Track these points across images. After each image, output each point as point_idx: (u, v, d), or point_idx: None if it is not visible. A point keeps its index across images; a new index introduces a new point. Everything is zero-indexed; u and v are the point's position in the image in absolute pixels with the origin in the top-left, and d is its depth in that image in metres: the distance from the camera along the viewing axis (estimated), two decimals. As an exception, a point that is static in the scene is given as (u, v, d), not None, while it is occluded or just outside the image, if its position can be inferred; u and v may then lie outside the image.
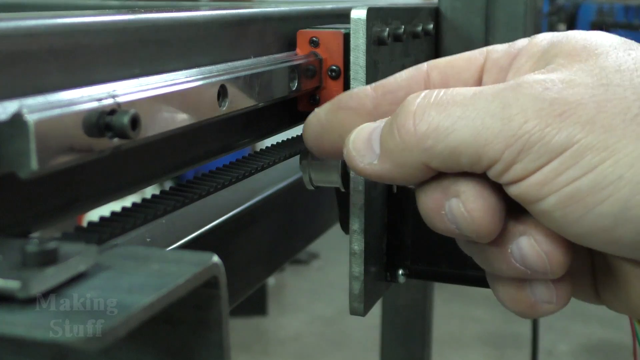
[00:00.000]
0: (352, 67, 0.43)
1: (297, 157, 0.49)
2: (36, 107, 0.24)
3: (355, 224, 0.45)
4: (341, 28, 0.45)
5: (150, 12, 0.34)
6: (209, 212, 0.50)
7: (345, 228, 0.48)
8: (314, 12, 0.50)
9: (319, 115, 0.40)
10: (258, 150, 0.43)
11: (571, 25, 2.91)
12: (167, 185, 0.53)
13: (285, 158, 0.43)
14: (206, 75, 0.34)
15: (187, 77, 0.33)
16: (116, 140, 0.27)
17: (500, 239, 0.35)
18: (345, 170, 0.48)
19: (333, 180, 0.48)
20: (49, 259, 0.23)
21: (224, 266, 0.26)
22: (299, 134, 0.48)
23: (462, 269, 0.47)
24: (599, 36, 0.36)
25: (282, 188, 0.57)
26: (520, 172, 0.32)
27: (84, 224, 0.30)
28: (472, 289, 0.47)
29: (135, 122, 0.27)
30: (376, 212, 0.46)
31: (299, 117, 0.48)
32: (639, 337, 0.41)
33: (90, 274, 0.24)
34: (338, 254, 3.09)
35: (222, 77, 0.35)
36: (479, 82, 0.40)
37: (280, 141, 0.45)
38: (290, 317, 2.94)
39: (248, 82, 0.37)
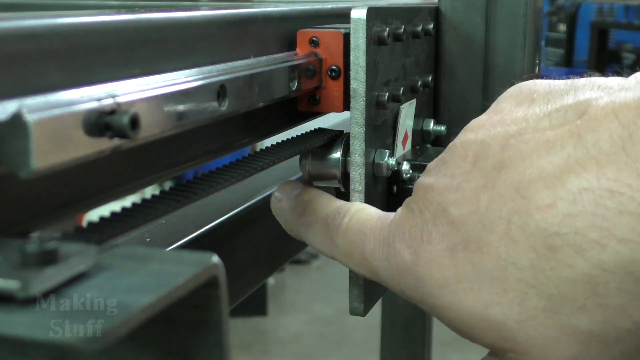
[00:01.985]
0: (352, 67, 0.43)
1: (297, 157, 0.49)
2: (36, 107, 0.24)
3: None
4: (341, 28, 0.45)
5: (150, 12, 0.34)
6: (209, 212, 0.50)
7: (345, 228, 0.48)
8: (314, 12, 0.50)
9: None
10: (258, 150, 0.43)
11: (571, 25, 2.90)
12: (167, 185, 0.53)
13: (285, 158, 0.43)
14: (206, 75, 0.34)
15: (186, 77, 0.33)
16: (116, 140, 0.27)
17: None
18: (345, 170, 0.48)
19: (333, 180, 0.48)
20: (49, 259, 0.23)
21: (224, 266, 0.26)
22: (299, 134, 0.48)
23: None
24: None
25: (282, 188, 0.57)
26: None
27: (84, 224, 0.30)
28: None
29: (135, 122, 0.27)
30: (376, 212, 0.46)
31: (299, 117, 0.48)
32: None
33: (90, 274, 0.24)
34: (338, 254, 3.08)
35: (222, 77, 0.35)
36: None
37: (280, 141, 0.45)
38: (290, 317, 2.94)
39: (248, 82, 0.37)
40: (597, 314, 0.31)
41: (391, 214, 0.39)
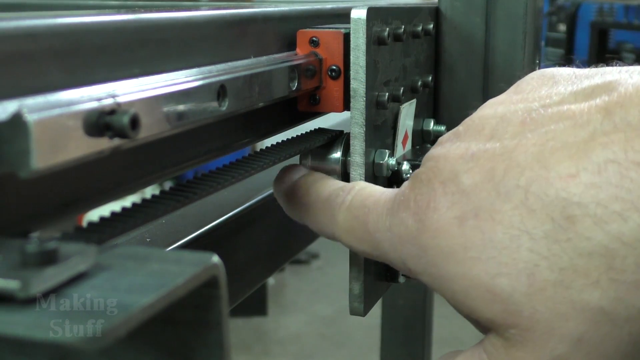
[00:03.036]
0: (352, 67, 0.43)
1: (297, 157, 0.49)
2: (36, 107, 0.24)
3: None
4: (341, 28, 0.45)
5: (150, 12, 0.34)
6: (209, 212, 0.50)
7: (345, 228, 0.47)
8: (314, 12, 0.50)
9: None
10: (258, 150, 0.43)
11: (571, 25, 2.90)
12: (167, 185, 0.53)
13: (285, 158, 0.43)
14: (206, 75, 0.34)
15: (187, 77, 0.33)
16: (116, 140, 0.27)
17: None
18: (345, 170, 0.48)
19: (333, 180, 0.48)
20: (49, 259, 0.23)
21: (224, 266, 0.26)
22: (299, 134, 0.48)
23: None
24: None
25: (282, 188, 0.57)
26: None
27: (84, 224, 0.30)
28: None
29: (135, 122, 0.27)
30: (376, 212, 0.46)
31: (299, 117, 0.49)
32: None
33: (90, 274, 0.24)
34: (338, 254, 3.09)
35: (222, 77, 0.35)
36: None
37: (280, 141, 0.45)
38: (290, 317, 2.94)
39: (248, 82, 0.37)
40: (610, 290, 0.30)
41: (396, 189, 0.39)
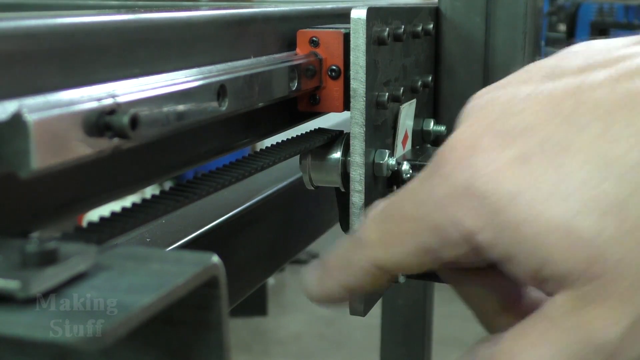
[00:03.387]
0: (352, 67, 0.43)
1: (297, 157, 0.49)
2: (36, 107, 0.24)
3: (355, 224, 0.45)
4: (341, 28, 0.45)
5: (150, 12, 0.34)
6: (209, 212, 0.50)
7: (345, 228, 0.48)
8: (314, 12, 0.50)
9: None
10: (258, 150, 0.43)
11: (571, 25, 2.90)
12: (167, 185, 0.53)
13: (285, 158, 0.43)
14: (206, 75, 0.34)
15: (187, 77, 0.33)
16: (116, 140, 0.27)
17: None
18: (345, 170, 0.48)
19: (333, 180, 0.48)
20: (49, 259, 0.23)
21: (224, 266, 0.26)
22: (299, 134, 0.48)
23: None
24: None
25: (282, 188, 0.57)
26: None
27: (84, 224, 0.30)
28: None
29: (135, 122, 0.27)
30: (376, 212, 0.46)
31: (299, 117, 0.49)
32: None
33: (90, 274, 0.24)
34: (338, 254, 3.09)
35: (222, 77, 0.35)
36: None
37: (280, 141, 0.45)
38: (290, 317, 2.94)
39: (248, 82, 0.37)
40: None
41: None
